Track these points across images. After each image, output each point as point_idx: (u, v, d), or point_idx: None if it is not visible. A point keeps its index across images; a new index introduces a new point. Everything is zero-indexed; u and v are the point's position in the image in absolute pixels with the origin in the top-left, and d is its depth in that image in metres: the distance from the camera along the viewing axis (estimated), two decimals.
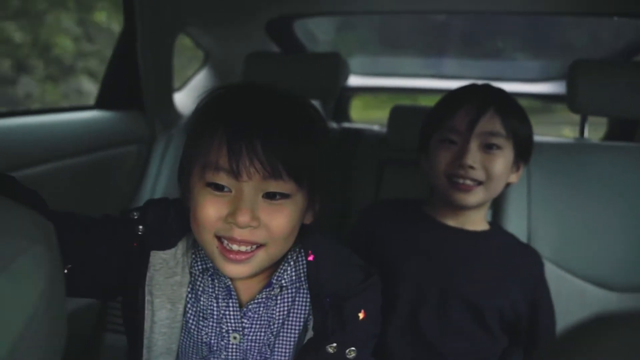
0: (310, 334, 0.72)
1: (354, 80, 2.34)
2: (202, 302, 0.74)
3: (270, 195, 0.65)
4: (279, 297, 0.74)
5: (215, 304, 0.73)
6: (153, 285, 0.72)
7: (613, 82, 1.31)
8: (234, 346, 0.73)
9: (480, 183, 0.97)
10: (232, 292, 0.73)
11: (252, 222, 0.63)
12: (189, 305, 0.74)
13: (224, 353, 0.73)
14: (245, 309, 0.73)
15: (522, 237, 1.20)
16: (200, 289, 0.74)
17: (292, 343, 0.73)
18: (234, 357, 0.74)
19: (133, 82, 1.55)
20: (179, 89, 1.95)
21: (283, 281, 0.74)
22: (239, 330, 0.73)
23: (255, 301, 0.73)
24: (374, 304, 0.76)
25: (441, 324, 0.96)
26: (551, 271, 1.15)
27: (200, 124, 0.67)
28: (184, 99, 1.88)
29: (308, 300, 0.74)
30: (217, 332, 0.73)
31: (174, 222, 0.73)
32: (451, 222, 1.04)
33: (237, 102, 0.66)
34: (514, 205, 1.25)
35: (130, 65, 1.52)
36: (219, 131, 0.63)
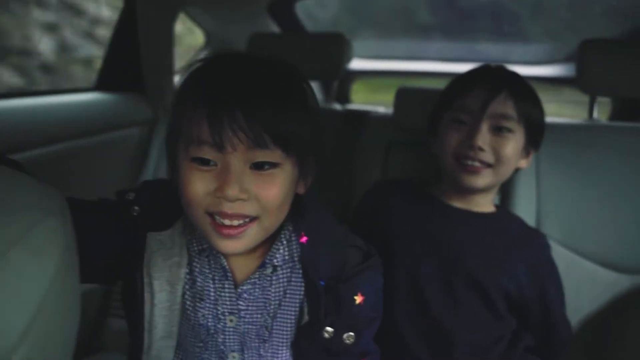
0: (306, 318, 0.71)
1: (356, 64, 2.31)
2: (198, 284, 0.72)
3: (258, 166, 0.62)
4: (273, 278, 0.72)
5: (211, 285, 0.72)
6: (151, 267, 0.71)
7: (624, 61, 1.28)
8: (231, 329, 0.72)
9: (489, 166, 0.97)
10: (228, 273, 0.71)
11: (241, 194, 0.61)
12: (186, 287, 0.72)
13: (221, 336, 0.72)
14: (240, 290, 0.71)
15: (531, 221, 1.19)
16: (197, 270, 0.72)
17: (290, 324, 0.72)
18: (231, 340, 0.72)
19: (133, 63, 1.52)
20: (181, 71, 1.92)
21: (275, 261, 0.72)
22: (235, 313, 0.72)
23: (249, 281, 0.71)
24: (373, 286, 0.74)
25: (447, 302, 0.96)
26: (561, 254, 1.14)
27: (181, 97, 0.65)
28: None
29: (303, 280, 0.72)
30: (214, 315, 0.72)
31: (169, 203, 0.70)
32: (457, 204, 1.04)
33: (216, 72, 0.64)
34: (522, 188, 1.23)
35: (131, 45, 1.49)
36: (199, 103, 0.61)
